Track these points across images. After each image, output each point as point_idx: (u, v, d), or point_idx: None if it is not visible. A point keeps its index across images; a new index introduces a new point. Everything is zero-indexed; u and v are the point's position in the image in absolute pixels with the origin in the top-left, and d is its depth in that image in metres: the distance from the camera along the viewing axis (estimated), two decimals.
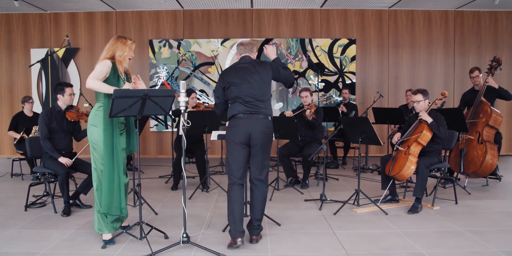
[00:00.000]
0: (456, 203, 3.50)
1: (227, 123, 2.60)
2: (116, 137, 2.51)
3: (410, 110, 5.17)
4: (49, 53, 6.45)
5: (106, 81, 2.50)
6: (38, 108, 5.93)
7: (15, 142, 4.83)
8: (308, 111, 4.18)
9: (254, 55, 2.64)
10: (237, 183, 2.48)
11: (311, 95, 4.39)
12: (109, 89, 2.43)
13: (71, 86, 3.41)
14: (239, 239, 2.41)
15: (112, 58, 2.52)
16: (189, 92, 4.43)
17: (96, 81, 2.44)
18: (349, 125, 3.52)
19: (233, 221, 2.44)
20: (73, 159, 3.32)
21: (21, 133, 4.72)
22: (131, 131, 2.68)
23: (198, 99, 6.66)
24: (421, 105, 3.42)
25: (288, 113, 4.27)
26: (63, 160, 3.27)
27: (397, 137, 3.54)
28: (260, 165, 2.52)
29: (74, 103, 3.61)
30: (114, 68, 2.53)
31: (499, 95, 4.21)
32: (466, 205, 3.48)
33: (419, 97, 3.42)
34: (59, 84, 3.40)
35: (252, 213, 2.55)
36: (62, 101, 3.38)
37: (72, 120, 3.44)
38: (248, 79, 2.49)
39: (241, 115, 2.46)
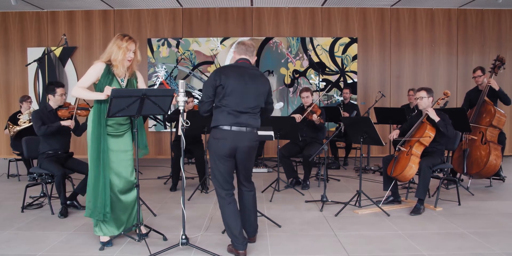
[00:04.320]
0: (459, 204, 3.47)
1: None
2: (104, 139, 2.44)
3: (412, 109, 5.13)
4: (46, 52, 6.40)
5: (98, 83, 2.46)
6: (35, 107, 5.89)
7: (12, 138, 4.71)
8: (315, 115, 4.10)
9: (253, 60, 2.45)
10: (227, 195, 2.37)
11: (312, 94, 4.33)
12: (93, 96, 2.41)
13: (62, 86, 3.39)
14: (242, 252, 2.34)
15: (109, 61, 2.46)
16: (187, 95, 4.30)
17: (79, 90, 2.42)
18: (350, 125, 3.48)
19: (232, 236, 2.36)
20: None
21: (10, 127, 4.58)
22: (140, 132, 2.60)
23: (197, 98, 6.62)
24: (424, 102, 3.37)
25: (297, 118, 4.05)
26: (66, 122, 3.27)
27: (395, 133, 3.49)
28: (246, 173, 2.45)
29: (72, 103, 3.58)
30: (108, 70, 2.46)
31: (498, 98, 4.17)
32: (469, 206, 3.44)
33: (422, 93, 3.37)
34: (50, 84, 3.39)
35: (248, 217, 2.48)
36: (53, 101, 3.37)
37: (66, 118, 3.40)
38: (250, 87, 2.31)
39: (227, 127, 2.30)
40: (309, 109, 4.21)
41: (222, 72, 2.32)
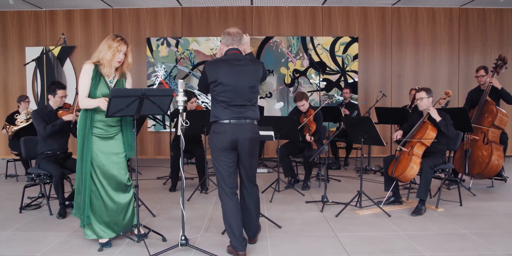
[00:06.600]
0: (461, 204, 3.45)
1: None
2: (88, 141, 2.44)
3: (413, 110, 5.09)
4: (44, 51, 6.37)
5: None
6: (33, 107, 5.85)
7: (10, 138, 4.68)
8: (308, 136, 3.99)
9: (242, 47, 2.44)
10: (230, 194, 2.34)
11: (307, 100, 4.22)
12: (92, 104, 2.43)
13: (64, 88, 3.39)
14: (242, 253, 2.32)
15: (98, 61, 2.46)
16: (190, 95, 4.26)
17: (85, 101, 2.43)
18: (351, 125, 3.46)
19: (233, 236, 2.34)
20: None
21: (7, 127, 4.56)
22: (128, 134, 2.59)
23: (197, 98, 6.60)
24: (424, 102, 3.35)
25: (308, 138, 4.02)
26: (68, 117, 3.27)
27: (399, 134, 3.47)
28: (249, 170, 2.42)
29: (71, 102, 3.57)
30: (96, 71, 2.45)
31: (501, 97, 4.14)
32: (471, 206, 3.42)
33: (422, 94, 3.35)
34: (52, 84, 3.38)
35: (249, 220, 2.46)
36: (53, 102, 3.37)
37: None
38: (242, 80, 2.31)
39: (226, 121, 2.31)
40: (305, 120, 4.12)
41: (213, 68, 2.34)
